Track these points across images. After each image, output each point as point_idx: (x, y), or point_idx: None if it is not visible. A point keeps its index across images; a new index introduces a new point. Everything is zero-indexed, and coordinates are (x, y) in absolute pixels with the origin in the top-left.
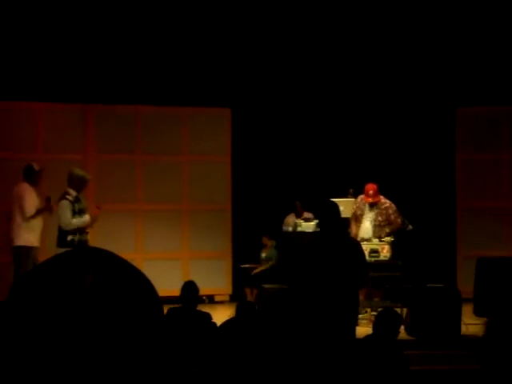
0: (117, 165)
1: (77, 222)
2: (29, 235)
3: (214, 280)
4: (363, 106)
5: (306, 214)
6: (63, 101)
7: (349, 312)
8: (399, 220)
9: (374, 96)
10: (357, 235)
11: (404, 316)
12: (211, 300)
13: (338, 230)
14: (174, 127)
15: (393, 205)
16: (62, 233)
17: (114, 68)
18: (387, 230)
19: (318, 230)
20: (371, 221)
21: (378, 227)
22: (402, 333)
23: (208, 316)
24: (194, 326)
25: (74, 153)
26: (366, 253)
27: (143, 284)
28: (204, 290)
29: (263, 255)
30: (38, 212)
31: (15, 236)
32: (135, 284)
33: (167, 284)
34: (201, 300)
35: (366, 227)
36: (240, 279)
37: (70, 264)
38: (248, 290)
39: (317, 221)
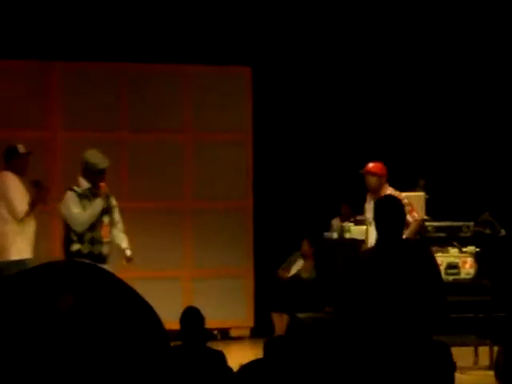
0: (93, 146)
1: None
2: (22, 243)
3: (230, 307)
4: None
5: (359, 218)
6: (16, 57)
7: (421, 362)
8: (416, 214)
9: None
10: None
11: (495, 357)
12: (225, 335)
13: (402, 236)
14: (173, 93)
15: (402, 195)
16: (67, 240)
17: (87, 12)
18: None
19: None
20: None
21: None
22: (491, 377)
23: (221, 356)
24: (201, 372)
25: (35, 129)
26: (441, 269)
27: (145, 314)
28: (215, 321)
29: (305, 274)
30: (31, 206)
31: (1, 247)
32: (133, 313)
33: (162, 313)
34: (210, 335)
35: (371, 232)
36: (265, 302)
37: (40, 282)
38: (277, 317)
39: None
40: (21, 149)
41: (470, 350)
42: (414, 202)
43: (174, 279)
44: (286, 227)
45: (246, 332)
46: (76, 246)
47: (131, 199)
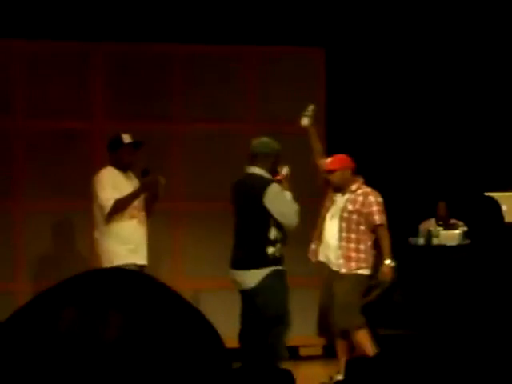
0: (141, 137)
1: None
2: (118, 246)
3: (298, 322)
4: None
5: (454, 222)
6: (53, 37)
7: None
8: (382, 219)
9: None
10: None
11: None
12: (294, 354)
13: (499, 243)
14: (234, 79)
15: (374, 192)
16: (261, 241)
17: None
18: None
19: (467, 242)
20: (336, 213)
21: (345, 222)
22: None
23: (289, 376)
24: None
25: (72, 119)
26: None
27: (206, 334)
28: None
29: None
30: (131, 198)
31: (99, 252)
32: (193, 335)
33: (220, 328)
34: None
35: (328, 227)
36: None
37: (75, 301)
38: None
39: (465, 229)
40: (125, 138)
41: None
42: (507, 203)
43: (230, 289)
44: None
45: (318, 351)
46: (271, 250)
47: (185, 198)
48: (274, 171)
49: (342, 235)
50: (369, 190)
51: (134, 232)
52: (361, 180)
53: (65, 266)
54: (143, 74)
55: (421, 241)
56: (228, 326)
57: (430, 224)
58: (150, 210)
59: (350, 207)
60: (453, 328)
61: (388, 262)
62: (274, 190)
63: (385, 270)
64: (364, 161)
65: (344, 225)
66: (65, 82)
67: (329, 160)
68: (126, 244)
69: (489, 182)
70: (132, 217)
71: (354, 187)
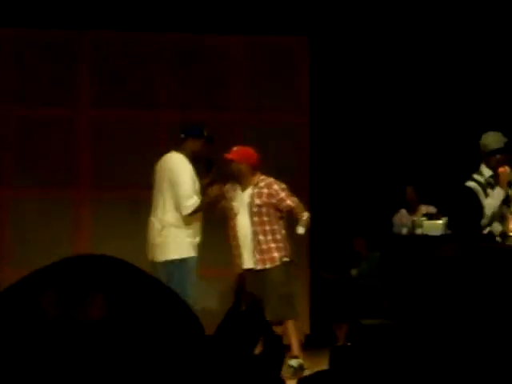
0: (122, 126)
1: None
2: (186, 238)
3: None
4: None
5: (425, 209)
6: (40, 26)
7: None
8: (296, 199)
9: None
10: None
11: None
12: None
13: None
14: (218, 68)
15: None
16: None
17: None
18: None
19: (449, 232)
20: (243, 210)
21: (256, 216)
22: None
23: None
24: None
25: (58, 106)
26: None
27: (188, 320)
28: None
29: (354, 271)
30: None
31: (163, 238)
32: (176, 321)
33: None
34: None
35: (242, 222)
36: (325, 310)
37: (56, 284)
38: (338, 328)
39: (445, 219)
40: (206, 131)
41: None
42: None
43: (220, 278)
44: (344, 221)
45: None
46: None
47: None
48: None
49: (257, 229)
50: (270, 180)
51: (197, 224)
52: (260, 175)
53: (47, 253)
54: (129, 62)
55: (404, 230)
56: None
57: (402, 215)
58: None
59: (258, 201)
60: (437, 318)
61: (305, 213)
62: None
63: (304, 215)
64: (347, 147)
65: (256, 219)
66: (51, 70)
67: (233, 149)
68: (192, 237)
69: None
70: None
71: (254, 181)
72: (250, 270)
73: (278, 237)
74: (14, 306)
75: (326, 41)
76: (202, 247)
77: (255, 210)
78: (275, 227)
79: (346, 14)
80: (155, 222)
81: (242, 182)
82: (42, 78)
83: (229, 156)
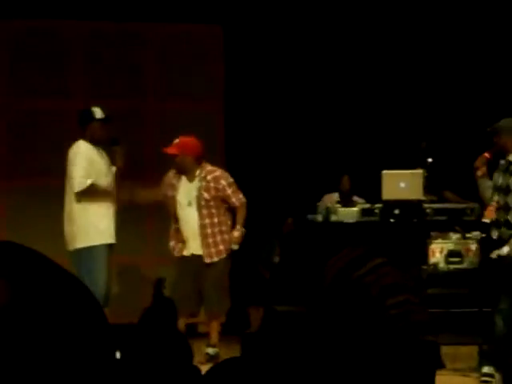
0: (34, 116)
1: None
2: (89, 225)
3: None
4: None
5: (356, 200)
6: (29, 16)
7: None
8: (242, 196)
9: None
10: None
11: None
12: (192, 331)
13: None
14: (133, 56)
15: (225, 173)
16: None
17: None
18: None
19: (365, 219)
20: (190, 200)
21: (205, 209)
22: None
23: (188, 352)
24: (161, 372)
25: (51, 98)
26: (442, 256)
27: (86, 301)
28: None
29: (277, 258)
30: (104, 192)
31: (71, 227)
32: (74, 301)
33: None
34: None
35: (190, 214)
36: (240, 294)
37: None
38: (254, 312)
39: (364, 206)
40: (96, 113)
41: (474, 349)
42: (412, 181)
43: (135, 266)
44: (263, 207)
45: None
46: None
47: None
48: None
49: (206, 222)
50: (218, 173)
51: (106, 212)
52: (206, 165)
53: (40, 242)
54: (43, 51)
55: (319, 217)
56: None
57: (332, 198)
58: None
59: (206, 195)
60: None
61: (239, 227)
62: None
63: (235, 234)
64: (263, 136)
65: (205, 212)
66: (41, 61)
67: (174, 142)
68: (100, 225)
69: (388, 160)
70: (108, 195)
71: (201, 173)
72: (193, 257)
73: (224, 228)
74: None
75: (240, 29)
76: (125, 235)
77: (203, 203)
78: (222, 218)
79: (259, 3)
80: (65, 210)
81: (188, 173)
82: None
83: (171, 151)
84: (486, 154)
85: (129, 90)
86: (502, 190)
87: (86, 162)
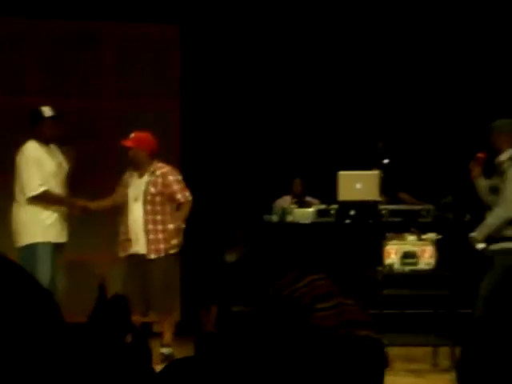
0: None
1: None
2: (35, 222)
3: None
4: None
5: (310, 200)
6: None
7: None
8: (188, 194)
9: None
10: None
11: (457, 358)
12: (146, 331)
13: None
14: (90, 55)
15: (173, 171)
16: None
17: None
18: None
19: (320, 220)
20: (138, 197)
21: (149, 205)
22: (451, 381)
23: (146, 354)
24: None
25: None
26: (398, 257)
27: (40, 297)
28: (133, 314)
29: (230, 257)
30: (57, 202)
31: (16, 225)
32: (28, 297)
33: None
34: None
35: (136, 209)
36: (192, 295)
37: None
38: (206, 313)
39: (319, 207)
40: (46, 112)
41: (428, 350)
42: (368, 183)
43: (88, 264)
44: (217, 208)
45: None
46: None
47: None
48: None
49: (149, 218)
50: (166, 169)
51: (54, 209)
52: (157, 162)
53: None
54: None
55: (275, 218)
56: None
57: (285, 201)
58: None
59: (153, 190)
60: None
61: (177, 221)
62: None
63: (170, 226)
64: (218, 136)
65: (149, 208)
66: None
67: (131, 136)
68: (46, 223)
69: (344, 161)
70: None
71: (151, 169)
72: (138, 256)
73: (170, 227)
74: None
75: (197, 28)
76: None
77: (149, 198)
78: (167, 218)
79: (216, 3)
80: (13, 207)
81: (139, 168)
82: None
83: (127, 143)
84: (480, 155)
85: (85, 88)
86: (495, 191)
87: (35, 166)
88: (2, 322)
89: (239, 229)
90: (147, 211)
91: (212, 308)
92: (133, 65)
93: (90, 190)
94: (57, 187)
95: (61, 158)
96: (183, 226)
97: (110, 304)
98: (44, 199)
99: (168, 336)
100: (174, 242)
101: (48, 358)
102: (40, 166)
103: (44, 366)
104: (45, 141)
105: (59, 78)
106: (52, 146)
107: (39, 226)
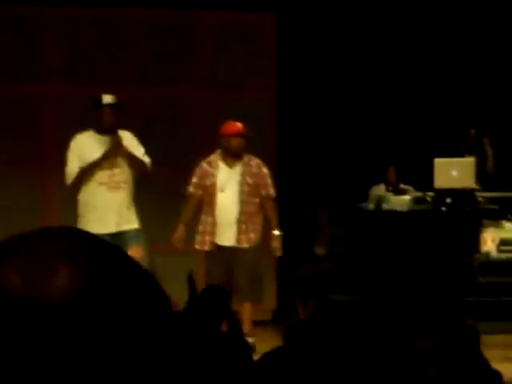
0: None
1: None
2: (81, 214)
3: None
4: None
5: (404, 187)
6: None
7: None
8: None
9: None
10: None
11: None
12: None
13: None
14: (184, 44)
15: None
16: None
17: None
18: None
19: (417, 208)
20: (235, 185)
21: (245, 195)
22: None
23: (244, 344)
24: (217, 360)
25: (25, 83)
26: (494, 244)
27: (153, 291)
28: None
29: (320, 250)
30: (91, 167)
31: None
32: (143, 297)
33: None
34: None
35: (227, 199)
36: (288, 286)
37: (20, 255)
38: (300, 303)
39: (415, 194)
40: (104, 99)
41: None
42: (464, 170)
43: (183, 254)
44: (311, 196)
45: (268, 315)
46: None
47: None
48: None
49: (243, 208)
50: (259, 161)
51: (100, 199)
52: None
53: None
54: (96, 38)
55: (371, 206)
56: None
57: (380, 189)
58: (139, 170)
59: (250, 180)
60: (397, 293)
61: (278, 232)
62: None
63: (276, 240)
64: (315, 126)
65: (244, 198)
66: (19, 46)
67: (236, 123)
68: (89, 212)
69: (438, 148)
70: (100, 183)
71: (245, 159)
72: (223, 248)
73: (257, 218)
74: None
75: (295, 18)
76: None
77: (246, 189)
78: (257, 209)
79: None
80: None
81: (238, 158)
82: (7, 54)
83: (243, 130)
84: None
85: (179, 77)
86: None
87: (72, 155)
88: (118, 313)
89: (322, 209)
90: (242, 201)
91: (305, 299)
92: (229, 54)
93: (181, 176)
94: (103, 177)
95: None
96: (282, 233)
97: (209, 294)
98: (78, 177)
99: (247, 325)
100: (278, 254)
101: (160, 348)
102: (80, 158)
103: (155, 356)
104: (101, 129)
105: (154, 67)
106: (109, 136)
107: (83, 218)
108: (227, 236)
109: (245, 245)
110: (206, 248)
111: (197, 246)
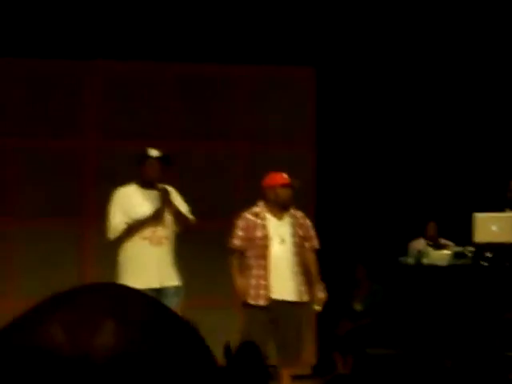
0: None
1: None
2: (122, 268)
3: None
4: None
5: (444, 242)
6: (50, 56)
7: None
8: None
9: None
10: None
11: None
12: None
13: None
14: (223, 98)
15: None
16: None
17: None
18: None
19: (457, 262)
20: (288, 236)
21: (297, 247)
22: None
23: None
24: None
25: (67, 137)
26: None
27: (200, 352)
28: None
29: (358, 305)
30: (136, 226)
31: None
32: (187, 353)
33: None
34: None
35: (279, 252)
36: (327, 342)
37: (65, 311)
38: (339, 358)
39: (455, 249)
40: (150, 152)
41: None
42: (504, 224)
43: (223, 308)
44: (350, 250)
45: (307, 370)
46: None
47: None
48: None
49: (296, 260)
50: (302, 213)
51: (143, 254)
52: None
53: (55, 284)
54: (136, 92)
55: (410, 260)
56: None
57: (420, 243)
58: (183, 225)
59: (300, 232)
60: (440, 348)
61: (322, 286)
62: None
63: (321, 292)
64: (354, 180)
65: (296, 250)
66: (60, 100)
67: (282, 174)
68: (132, 267)
69: (478, 203)
70: (144, 238)
71: (292, 210)
72: (276, 302)
73: (301, 270)
74: (18, 337)
75: (333, 72)
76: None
77: (297, 240)
78: (303, 261)
79: (352, 45)
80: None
81: (287, 209)
82: (51, 108)
83: (289, 180)
84: None
85: (219, 131)
86: None
87: (115, 209)
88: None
89: (360, 265)
90: (295, 253)
91: (346, 355)
92: (267, 108)
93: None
94: (147, 232)
95: (160, 201)
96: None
97: (244, 352)
98: (125, 234)
99: (288, 381)
100: (318, 308)
101: None
102: (124, 212)
103: None
104: (144, 182)
105: (190, 121)
106: (155, 190)
107: (125, 272)
108: (287, 289)
109: (305, 297)
110: (261, 303)
111: (251, 301)
